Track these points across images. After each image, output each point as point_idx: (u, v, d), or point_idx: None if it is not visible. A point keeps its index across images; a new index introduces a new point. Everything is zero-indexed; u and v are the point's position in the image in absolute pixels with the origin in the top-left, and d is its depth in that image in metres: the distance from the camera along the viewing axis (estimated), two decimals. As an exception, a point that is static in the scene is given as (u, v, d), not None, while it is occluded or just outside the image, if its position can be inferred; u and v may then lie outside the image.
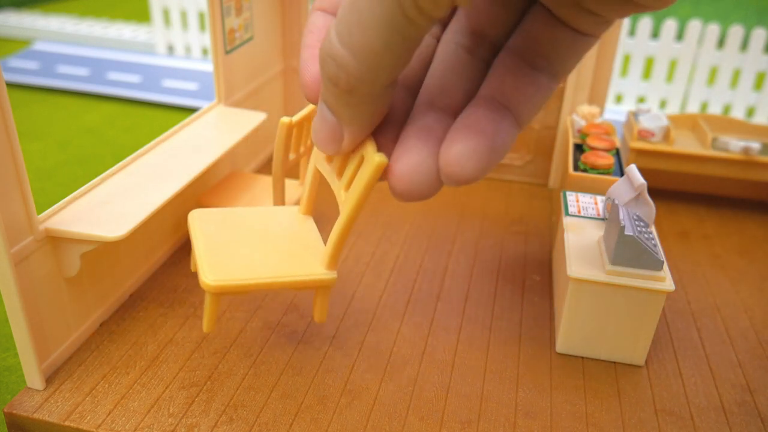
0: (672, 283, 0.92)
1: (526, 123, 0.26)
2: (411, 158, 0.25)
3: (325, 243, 0.87)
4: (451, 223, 1.37)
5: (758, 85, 2.41)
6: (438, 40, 0.29)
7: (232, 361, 0.95)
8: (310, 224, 0.89)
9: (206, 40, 2.56)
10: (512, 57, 0.27)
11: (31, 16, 2.94)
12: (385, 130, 0.27)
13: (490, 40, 0.28)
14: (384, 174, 0.27)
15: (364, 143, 0.28)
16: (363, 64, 0.23)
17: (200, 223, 0.89)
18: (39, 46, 2.54)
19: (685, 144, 1.46)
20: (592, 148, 1.29)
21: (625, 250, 0.91)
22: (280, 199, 1.15)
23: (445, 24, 0.29)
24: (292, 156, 1.10)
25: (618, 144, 1.32)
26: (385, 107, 0.26)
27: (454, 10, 0.29)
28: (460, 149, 0.24)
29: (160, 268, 1.17)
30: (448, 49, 0.28)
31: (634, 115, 1.50)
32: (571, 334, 0.98)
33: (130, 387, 0.90)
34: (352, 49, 0.23)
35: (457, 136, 0.24)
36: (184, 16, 2.68)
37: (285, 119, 1.02)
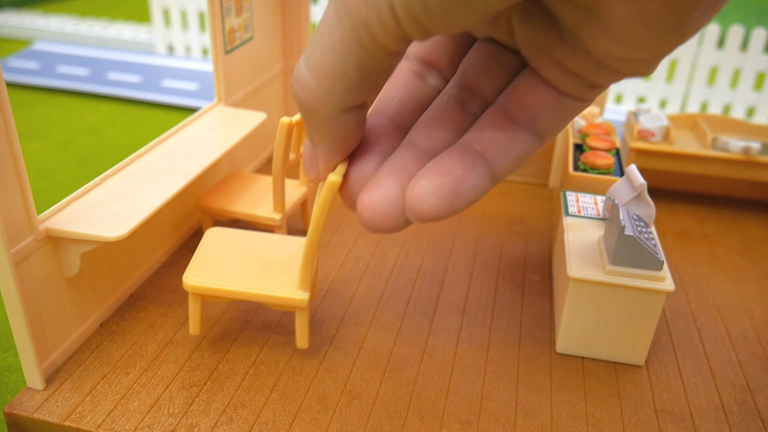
0: (672, 283, 0.92)
1: (502, 175, 0.27)
2: (379, 190, 0.26)
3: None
4: (451, 223, 1.37)
5: (758, 85, 2.41)
6: (440, 92, 0.30)
7: (232, 361, 0.95)
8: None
9: (206, 40, 2.56)
10: (498, 111, 0.28)
11: (31, 16, 2.94)
12: (370, 163, 0.28)
13: (482, 96, 0.29)
14: (351, 202, 0.27)
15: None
16: (320, 86, 0.24)
17: (211, 237, 1.00)
18: (39, 46, 2.54)
19: (685, 144, 1.46)
20: (592, 148, 1.29)
21: (625, 250, 0.91)
22: (280, 199, 1.15)
23: (448, 79, 0.31)
24: (292, 156, 1.10)
25: (618, 144, 1.32)
26: (352, 133, 0.27)
27: (454, 62, 0.30)
28: (425, 185, 0.25)
29: (160, 268, 1.17)
30: (442, 99, 0.29)
31: (634, 115, 1.50)
32: (571, 334, 0.98)
33: (130, 387, 0.90)
34: (312, 70, 0.24)
35: (425, 173, 0.25)
36: (184, 16, 2.68)
37: (285, 119, 1.02)
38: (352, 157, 0.28)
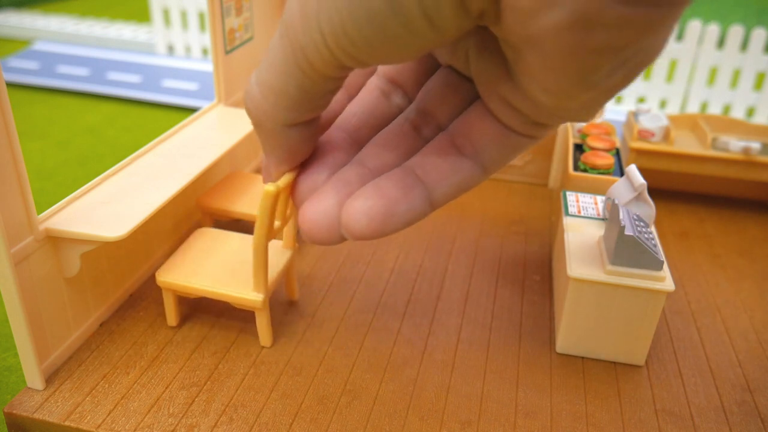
0: (672, 283, 0.92)
1: (441, 201, 0.28)
2: (319, 205, 0.27)
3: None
4: (451, 223, 1.37)
5: (758, 85, 2.41)
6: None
7: (232, 361, 0.95)
8: (284, 257, 1.02)
9: (206, 40, 2.56)
10: (446, 138, 0.28)
11: (31, 16, 2.94)
12: (320, 175, 0.29)
13: (436, 122, 0.30)
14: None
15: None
16: (266, 101, 0.26)
17: (196, 237, 1.06)
18: (39, 46, 2.54)
19: (685, 144, 1.46)
20: (592, 148, 1.29)
21: (625, 250, 0.91)
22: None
23: (412, 100, 0.32)
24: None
25: (618, 144, 1.32)
26: (299, 147, 0.28)
27: (419, 84, 0.31)
28: (358, 206, 0.25)
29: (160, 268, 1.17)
30: (399, 121, 0.30)
31: (634, 115, 1.50)
32: (571, 334, 0.98)
33: (130, 387, 0.90)
34: (260, 85, 0.26)
35: (362, 193, 0.26)
36: (184, 16, 2.68)
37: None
38: (304, 167, 0.29)
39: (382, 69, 0.31)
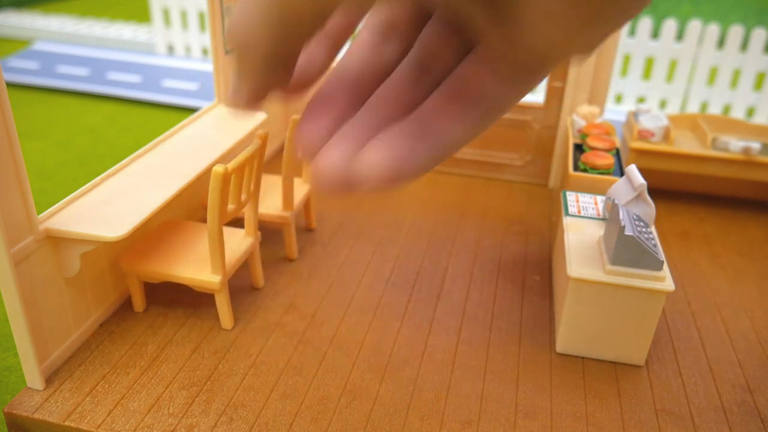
0: (672, 283, 0.92)
1: (447, 153, 0.29)
2: (331, 157, 0.27)
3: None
4: (451, 223, 1.37)
5: (758, 85, 2.41)
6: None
7: (232, 361, 0.95)
8: (244, 243, 1.06)
9: (206, 40, 2.56)
10: (445, 89, 0.29)
11: (31, 16, 2.94)
12: (328, 127, 0.29)
13: (435, 73, 0.30)
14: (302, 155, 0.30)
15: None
16: (251, 24, 0.26)
17: (163, 227, 1.10)
18: (39, 46, 2.54)
19: (685, 144, 1.46)
20: (592, 148, 1.29)
21: (625, 250, 0.91)
22: (289, 198, 1.15)
23: (409, 49, 0.32)
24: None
25: (618, 144, 1.32)
26: (280, 74, 0.28)
27: (416, 32, 0.31)
28: (370, 158, 0.27)
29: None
30: (398, 73, 0.31)
31: (634, 115, 1.50)
32: (571, 334, 0.98)
33: (130, 387, 0.90)
34: (246, 10, 0.26)
35: (373, 145, 0.28)
36: (184, 16, 2.68)
37: (296, 117, 1.05)
38: (306, 119, 0.30)
39: (374, 20, 0.32)
